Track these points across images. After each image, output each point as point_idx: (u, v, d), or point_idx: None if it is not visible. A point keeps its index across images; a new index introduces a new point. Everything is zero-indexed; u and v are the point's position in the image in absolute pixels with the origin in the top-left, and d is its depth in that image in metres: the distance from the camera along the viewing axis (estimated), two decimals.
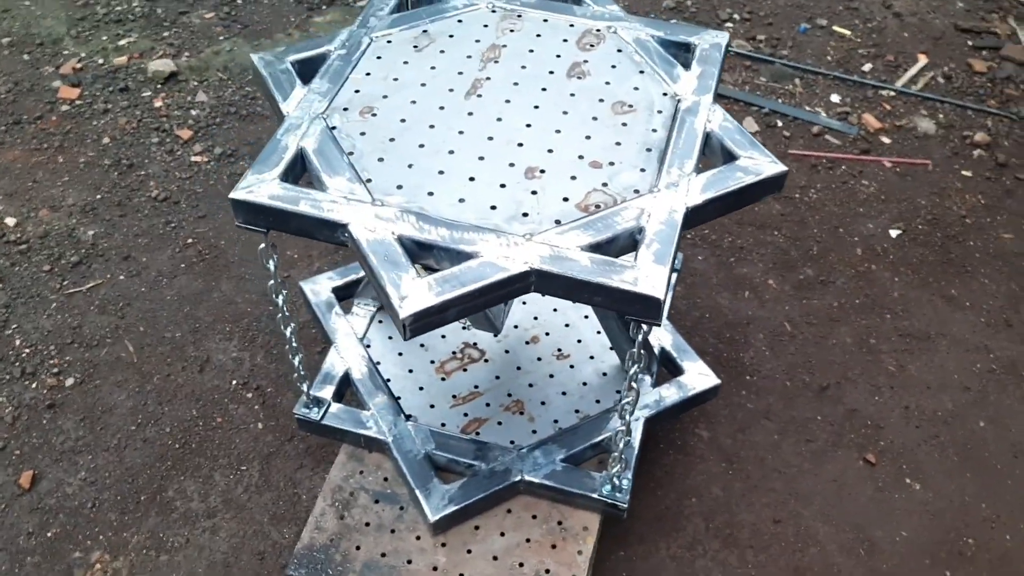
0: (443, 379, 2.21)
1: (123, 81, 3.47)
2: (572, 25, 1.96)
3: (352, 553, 1.95)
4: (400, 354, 2.25)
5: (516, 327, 2.32)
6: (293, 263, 2.85)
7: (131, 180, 3.08)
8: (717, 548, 2.19)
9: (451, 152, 1.66)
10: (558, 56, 1.87)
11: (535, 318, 2.35)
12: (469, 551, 1.97)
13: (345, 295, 2.40)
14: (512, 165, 1.64)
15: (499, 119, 1.73)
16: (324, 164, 1.62)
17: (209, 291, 2.75)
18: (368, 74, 1.83)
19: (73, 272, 2.79)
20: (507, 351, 2.27)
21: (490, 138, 1.69)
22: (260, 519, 2.23)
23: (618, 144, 1.68)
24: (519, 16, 1.98)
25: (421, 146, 1.68)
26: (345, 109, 1.75)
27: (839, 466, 2.36)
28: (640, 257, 1.47)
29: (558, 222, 1.52)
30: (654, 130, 1.71)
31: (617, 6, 2.02)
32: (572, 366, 2.24)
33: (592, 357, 2.26)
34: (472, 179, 1.61)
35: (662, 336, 2.26)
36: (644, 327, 1.54)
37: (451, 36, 1.92)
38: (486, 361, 2.25)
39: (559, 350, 2.27)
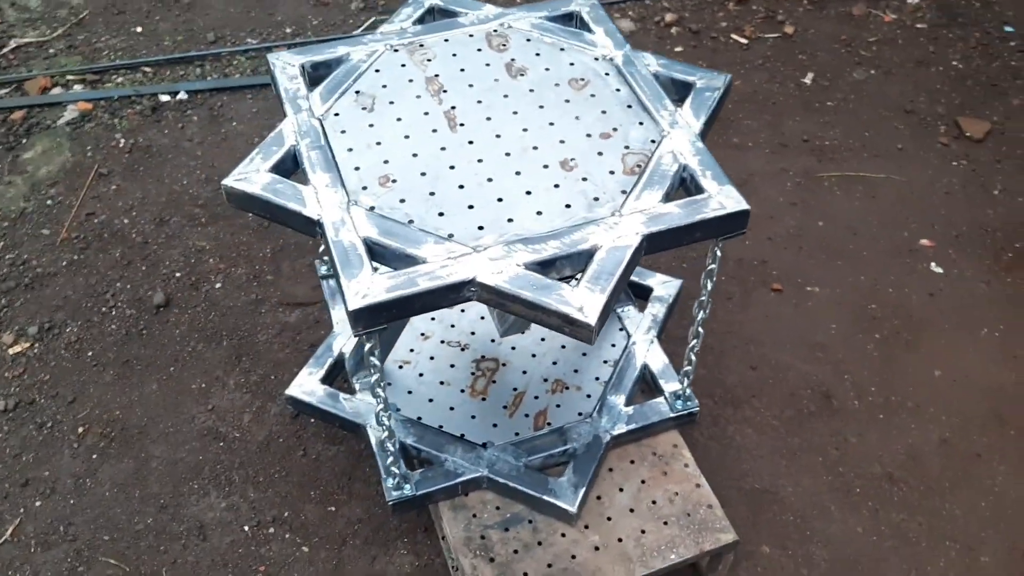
0: (483, 400, 2.27)
1: None
2: (472, 35, 2.07)
3: (548, 569, 2.00)
4: (431, 400, 2.26)
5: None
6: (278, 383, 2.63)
7: None
8: None
9: (482, 180, 1.75)
10: (488, 65, 1.99)
11: None
12: (609, 518, 2.11)
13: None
14: (546, 167, 1.77)
15: (498, 135, 1.83)
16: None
17: (144, 463, 2.47)
18: (351, 150, 1.81)
19: None
20: (513, 347, 2.37)
21: (507, 153, 1.79)
22: None
23: (604, 112, 1.87)
24: (421, 45, 2.04)
25: (461, 187, 1.73)
26: (365, 188, 1.73)
27: (760, 302, 2.83)
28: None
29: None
30: (617, 89, 1.93)
31: (490, 4, 2.16)
32: None
33: None
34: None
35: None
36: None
37: (384, 87, 1.94)
38: (504, 365, 2.34)
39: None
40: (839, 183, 3.25)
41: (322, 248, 2.51)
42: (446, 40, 2.05)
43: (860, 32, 3.86)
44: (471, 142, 1.82)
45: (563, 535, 2.09)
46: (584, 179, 1.75)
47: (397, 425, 2.16)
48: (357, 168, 1.77)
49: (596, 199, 1.71)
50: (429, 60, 2.00)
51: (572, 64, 1.99)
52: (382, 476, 2.07)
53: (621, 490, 2.16)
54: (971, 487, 2.47)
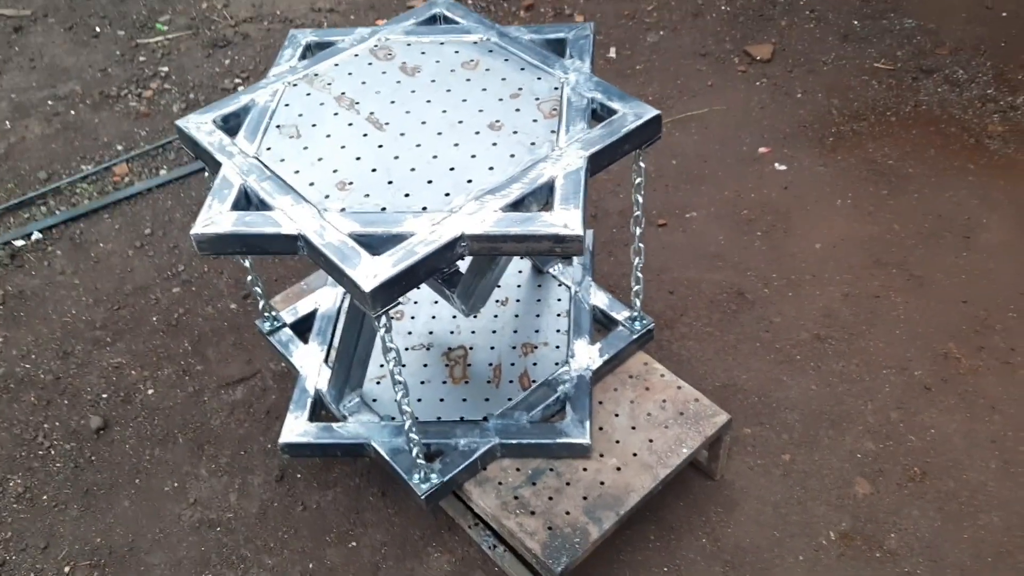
0: (467, 383, 2.38)
1: None
2: (357, 55, 2.22)
3: (569, 516, 2.12)
4: (419, 400, 2.35)
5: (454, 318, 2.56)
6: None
7: None
8: None
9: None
10: (384, 72, 2.15)
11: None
12: (617, 441, 2.28)
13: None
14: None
15: (423, 122, 2.00)
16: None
17: (146, 575, 2.38)
18: (298, 172, 1.91)
19: None
20: (473, 331, 2.51)
21: (439, 133, 1.96)
22: None
23: (504, 80, 2.08)
24: (316, 75, 2.17)
25: (413, 169, 1.88)
26: (327, 197, 1.84)
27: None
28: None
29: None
30: (506, 59, 2.15)
31: (360, 27, 2.32)
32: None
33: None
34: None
35: None
36: None
37: (301, 115, 2.05)
38: (471, 349, 2.46)
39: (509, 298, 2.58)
40: (675, 126, 3.62)
41: (262, 306, 2.53)
42: (336, 64, 2.20)
43: (638, 5, 4.32)
44: (402, 134, 1.97)
45: (584, 469, 2.23)
46: (515, 132, 1.94)
47: (397, 432, 2.24)
48: (312, 184, 1.87)
49: (533, 143, 1.91)
50: (329, 83, 2.14)
51: (457, 52, 2.19)
52: (405, 478, 2.14)
53: (616, 415, 2.34)
54: (882, 322, 2.83)
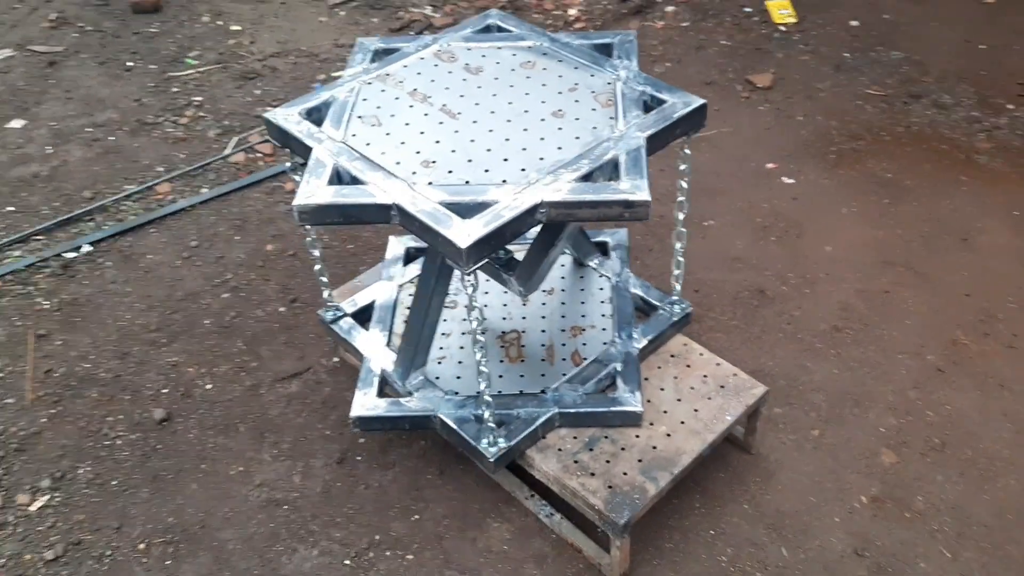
0: (523, 361, 2.56)
1: None
2: (423, 58, 2.45)
3: (627, 476, 2.29)
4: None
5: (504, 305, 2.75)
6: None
7: None
8: None
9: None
10: (450, 72, 2.37)
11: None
12: (665, 411, 2.46)
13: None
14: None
15: (492, 111, 2.21)
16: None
17: (220, 549, 2.50)
18: (384, 153, 2.11)
19: None
20: (524, 317, 2.69)
21: (508, 120, 2.18)
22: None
23: (560, 76, 2.32)
24: (388, 75, 2.39)
25: (489, 150, 2.10)
26: (414, 173, 2.04)
27: None
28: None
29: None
30: (560, 60, 2.38)
31: (425, 33, 2.55)
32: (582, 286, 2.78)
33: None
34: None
35: None
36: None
37: (379, 107, 2.27)
38: (523, 332, 2.64)
39: (557, 288, 2.77)
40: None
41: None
42: (405, 66, 2.42)
43: (645, 40, 4.62)
44: (475, 121, 2.19)
45: (636, 436, 2.41)
46: (577, 119, 2.17)
47: (461, 404, 2.40)
48: (398, 163, 2.08)
49: (595, 127, 2.13)
50: (401, 81, 2.36)
51: (514, 54, 2.42)
52: (473, 444, 2.30)
53: (662, 389, 2.52)
54: (894, 314, 3.06)
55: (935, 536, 2.42)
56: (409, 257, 2.94)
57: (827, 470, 2.60)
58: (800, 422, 2.74)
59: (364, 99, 2.31)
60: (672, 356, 2.61)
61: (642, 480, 2.29)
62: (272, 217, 3.68)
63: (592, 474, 2.32)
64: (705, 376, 2.54)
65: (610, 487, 2.28)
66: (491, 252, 1.91)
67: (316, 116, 2.29)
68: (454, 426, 2.37)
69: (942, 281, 3.16)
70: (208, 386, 2.99)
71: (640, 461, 2.34)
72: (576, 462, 2.35)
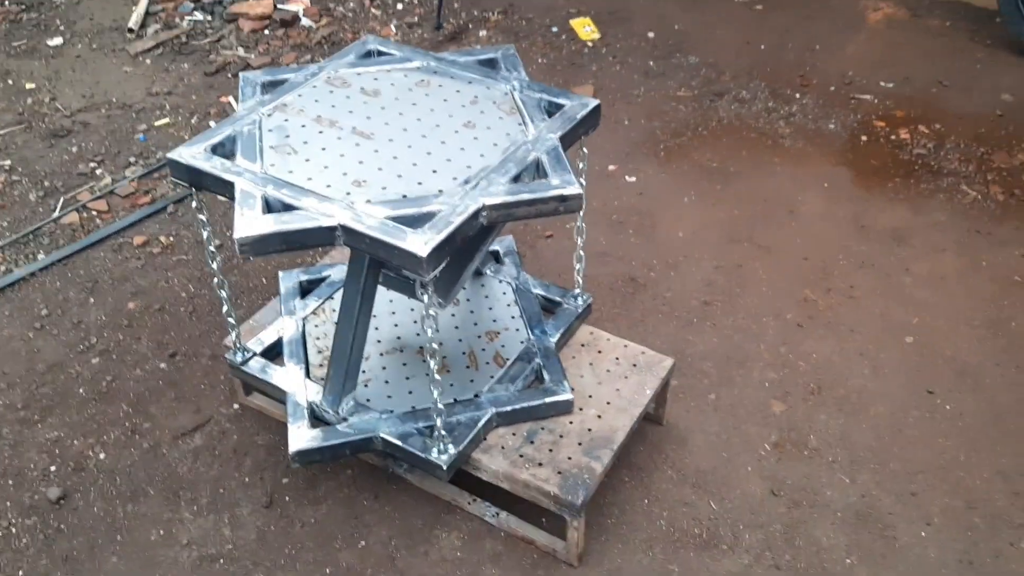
0: (448, 371, 2.61)
1: None
2: (313, 87, 2.47)
3: (572, 460, 2.41)
4: (410, 392, 2.54)
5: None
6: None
7: None
8: None
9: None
10: (348, 97, 2.41)
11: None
12: (590, 395, 2.61)
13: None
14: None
15: (404, 129, 2.28)
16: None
17: None
18: (310, 179, 2.12)
19: None
20: (437, 330, 2.74)
21: (423, 135, 2.26)
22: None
23: (475, 99, 2.42)
24: (284, 105, 2.39)
25: (415, 164, 2.16)
26: (348, 193, 2.06)
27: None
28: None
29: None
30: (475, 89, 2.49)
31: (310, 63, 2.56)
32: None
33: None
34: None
35: None
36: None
37: (287, 136, 2.26)
38: (441, 344, 2.70)
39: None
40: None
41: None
42: (300, 95, 2.42)
43: None
44: (391, 140, 2.25)
45: (571, 423, 2.54)
46: (488, 128, 2.28)
47: (400, 421, 2.42)
48: (329, 186, 2.09)
49: (508, 133, 2.26)
50: (301, 110, 2.36)
51: (406, 75, 2.50)
52: (423, 456, 2.34)
53: (582, 376, 2.67)
54: (750, 283, 3.40)
55: (832, 466, 2.74)
56: (304, 290, 2.91)
57: (730, 427, 2.86)
58: (696, 389, 2.98)
59: (269, 130, 2.29)
60: (583, 345, 2.77)
61: (587, 461, 2.42)
62: (126, 274, 3.48)
63: (540, 464, 2.42)
64: (617, 358, 2.72)
65: (559, 472, 2.39)
66: (443, 259, 1.98)
67: (223, 151, 2.24)
68: (399, 443, 2.38)
69: (782, 250, 3.56)
70: (101, 455, 2.79)
71: (580, 444, 2.47)
72: (522, 456, 2.44)
